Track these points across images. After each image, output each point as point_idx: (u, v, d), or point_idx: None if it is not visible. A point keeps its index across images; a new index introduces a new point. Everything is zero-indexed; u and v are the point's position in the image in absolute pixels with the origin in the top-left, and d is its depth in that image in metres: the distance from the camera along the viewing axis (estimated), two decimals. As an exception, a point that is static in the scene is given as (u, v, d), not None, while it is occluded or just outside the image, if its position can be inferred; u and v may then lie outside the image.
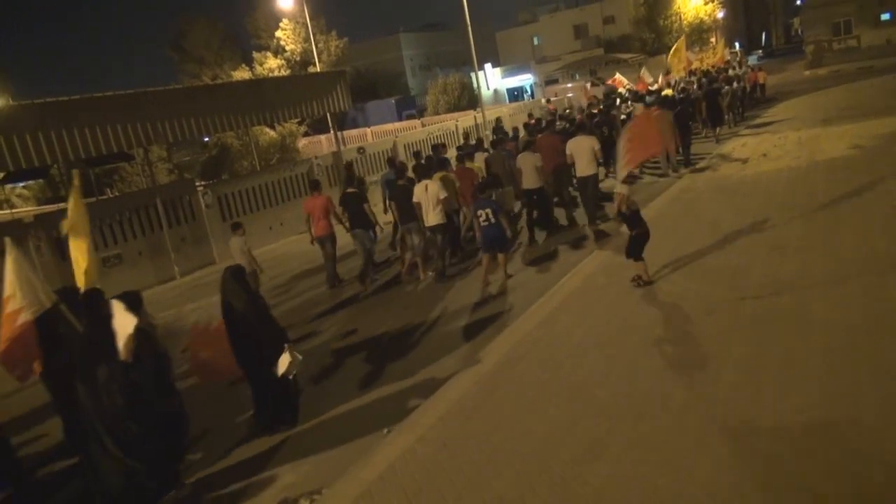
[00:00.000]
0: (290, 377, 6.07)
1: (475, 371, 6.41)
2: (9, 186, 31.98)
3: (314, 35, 37.03)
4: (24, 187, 35.76)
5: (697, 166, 14.81)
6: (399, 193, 10.44)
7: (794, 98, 24.28)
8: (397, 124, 36.97)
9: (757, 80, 25.56)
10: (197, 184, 16.82)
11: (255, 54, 41.38)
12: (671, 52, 24.47)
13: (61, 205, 18.54)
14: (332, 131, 21.16)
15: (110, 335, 4.95)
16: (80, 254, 6.73)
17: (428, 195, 9.76)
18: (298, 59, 40.92)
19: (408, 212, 10.09)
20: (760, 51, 70.94)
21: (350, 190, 10.86)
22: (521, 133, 15.89)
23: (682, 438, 4.63)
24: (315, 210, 10.64)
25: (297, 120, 30.25)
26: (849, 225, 8.53)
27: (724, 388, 5.20)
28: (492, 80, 52.55)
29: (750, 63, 38.06)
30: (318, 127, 35.56)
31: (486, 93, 45.63)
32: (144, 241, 13.71)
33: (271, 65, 40.23)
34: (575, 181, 11.93)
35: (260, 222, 15.98)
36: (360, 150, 19.76)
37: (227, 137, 32.46)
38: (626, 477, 4.33)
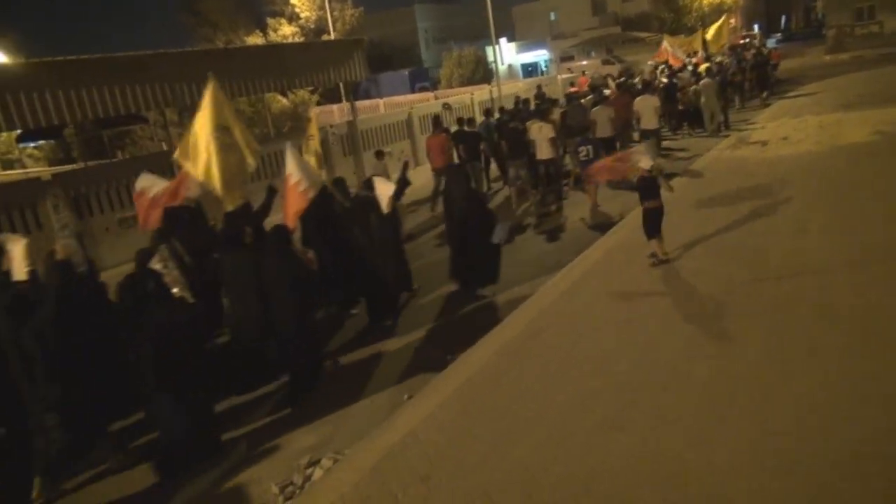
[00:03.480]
0: (501, 244, 8.14)
1: (496, 340, 6.45)
2: (21, 146, 32.01)
3: (329, 2, 36.64)
4: (35, 147, 35.75)
5: (732, 129, 16.69)
6: (509, 134, 12.46)
7: (815, 83, 23.91)
8: (410, 96, 36.62)
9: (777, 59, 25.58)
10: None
11: (270, 20, 41.02)
12: (713, 29, 24.81)
13: (75, 165, 18.50)
14: (344, 101, 21.00)
15: (372, 199, 7.74)
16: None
17: (541, 134, 11.73)
18: (313, 26, 40.57)
19: (517, 149, 12.17)
20: (779, 34, 69.81)
21: (468, 129, 13.51)
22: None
23: (706, 413, 4.65)
24: (435, 146, 12.79)
25: (310, 88, 30.01)
26: (871, 210, 8.46)
27: (746, 366, 5.20)
28: (507, 54, 51.91)
29: (768, 45, 37.47)
30: (330, 96, 35.29)
31: (500, 68, 45.17)
32: (159, 203, 13.71)
33: (285, 32, 39.92)
34: (638, 133, 14.31)
35: (274, 189, 15.93)
36: (446, 105, 20.29)
37: (240, 104, 32.30)
38: (651, 448, 4.36)
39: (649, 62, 24.62)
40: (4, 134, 26.41)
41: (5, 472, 5.06)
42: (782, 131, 15.02)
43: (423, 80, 46.40)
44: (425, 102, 25.86)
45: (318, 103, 34.90)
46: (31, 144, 33.74)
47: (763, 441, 4.25)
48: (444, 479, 4.42)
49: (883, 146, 11.77)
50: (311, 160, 9.57)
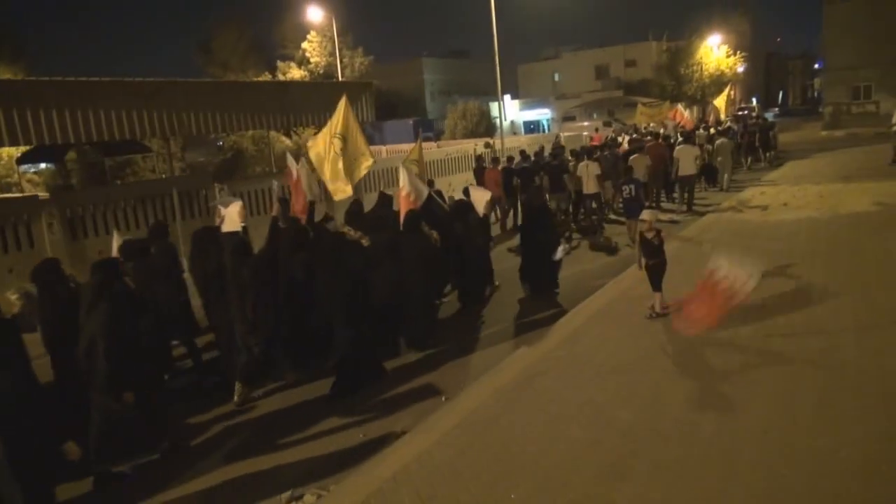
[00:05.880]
0: (559, 259, 9.39)
1: (493, 381, 6.24)
2: (21, 168, 31.94)
3: (340, 50, 37.30)
4: (35, 173, 35.67)
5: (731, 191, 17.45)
6: (551, 170, 14.13)
7: (813, 156, 24.28)
8: (412, 145, 36.93)
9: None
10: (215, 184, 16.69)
11: (280, 63, 41.63)
12: (720, 97, 27.54)
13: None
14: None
15: (469, 203, 9.50)
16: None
17: (588, 171, 13.50)
18: (322, 72, 41.18)
19: (557, 184, 13.86)
20: (776, 108, 71.56)
21: (553, 162, 14.99)
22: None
23: (712, 468, 4.45)
24: (490, 179, 14.45)
25: (314, 129, 30.26)
26: (877, 275, 8.40)
27: (753, 422, 5.02)
28: (509, 111, 52.88)
29: (766, 118, 38.23)
30: (334, 139, 35.52)
31: (503, 123, 45.92)
32: (156, 230, 13.52)
33: (294, 75, 40.41)
34: (676, 179, 15.51)
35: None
36: (487, 144, 21.45)
37: (243, 141, 32.46)
38: (653, 500, 4.14)
39: (666, 121, 25.70)
40: (5, 155, 26.42)
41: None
42: (782, 197, 15.11)
43: (426, 130, 46.93)
44: (428, 150, 26.03)
45: (322, 145, 35.13)
46: (32, 169, 33.69)
47: (774, 497, 4.04)
48: (436, 521, 4.18)
49: (885, 216, 11.82)
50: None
